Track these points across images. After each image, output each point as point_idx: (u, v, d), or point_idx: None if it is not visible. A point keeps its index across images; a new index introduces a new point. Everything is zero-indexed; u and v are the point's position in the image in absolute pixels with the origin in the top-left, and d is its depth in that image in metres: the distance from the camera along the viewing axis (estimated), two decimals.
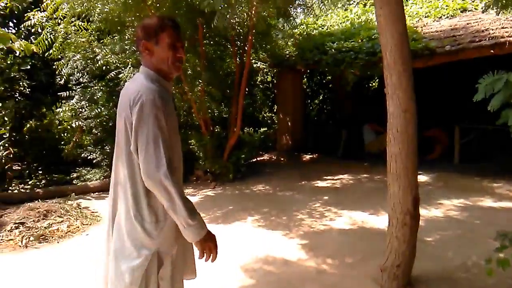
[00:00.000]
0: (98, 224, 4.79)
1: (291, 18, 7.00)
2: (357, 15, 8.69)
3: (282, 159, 8.56)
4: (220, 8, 3.97)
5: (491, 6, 3.31)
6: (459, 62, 5.94)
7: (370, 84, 10.24)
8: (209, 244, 1.40)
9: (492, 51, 5.23)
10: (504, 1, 2.93)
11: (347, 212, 4.83)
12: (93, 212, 5.20)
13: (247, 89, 7.56)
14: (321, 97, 10.72)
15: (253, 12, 5.75)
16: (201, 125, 6.72)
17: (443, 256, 3.38)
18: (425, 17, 7.50)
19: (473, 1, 7.26)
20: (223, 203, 5.45)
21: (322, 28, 8.52)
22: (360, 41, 6.75)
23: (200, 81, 6.25)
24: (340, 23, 8.57)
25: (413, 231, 2.77)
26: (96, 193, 6.49)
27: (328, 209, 4.98)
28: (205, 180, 6.87)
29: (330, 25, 8.66)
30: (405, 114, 2.63)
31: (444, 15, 7.26)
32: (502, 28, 5.50)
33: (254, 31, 6.21)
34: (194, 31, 5.95)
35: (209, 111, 7.03)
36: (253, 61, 8.39)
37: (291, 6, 6.69)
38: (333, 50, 6.76)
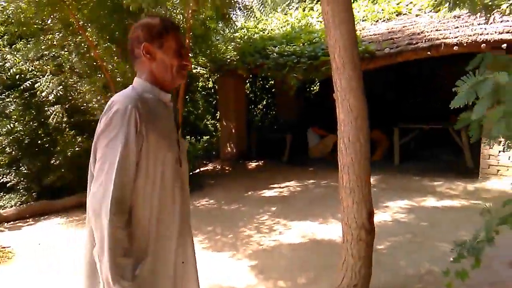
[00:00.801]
0: (7, 263, 4.00)
1: (231, 21, 6.72)
2: (297, 19, 8.65)
3: (226, 168, 8.19)
4: (147, 6, 3.51)
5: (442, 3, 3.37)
6: (396, 64, 6.03)
7: (312, 88, 10.28)
8: None
9: (428, 52, 5.34)
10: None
11: (296, 223, 4.59)
12: (2, 248, 4.39)
13: (187, 96, 7.10)
14: (264, 102, 10.56)
15: (189, 13, 5.34)
16: None
17: (396, 265, 3.27)
18: (363, 21, 7.62)
19: (407, 5, 7.52)
20: None
21: (263, 32, 8.34)
22: (301, 45, 6.65)
23: None
24: (281, 27, 8.46)
25: (369, 245, 2.57)
26: (11, 222, 5.55)
27: (276, 222, 4.71)
28: None
29: (271, 29, 8.52)
30: (357, 121, 2.41)
31: (380, 19, 7.43)
32: (437, 30, 5.66)
33: (191, 34, 5.79)
34: (124, 34, 5.39)
35: None
36: (193, 66, 7.95)
37: (231, 8, 6.41)
38: (275, 54, 6.59)
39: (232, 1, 5.97)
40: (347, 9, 2.31)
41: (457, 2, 3.23)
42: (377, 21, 7.44)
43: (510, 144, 1.53)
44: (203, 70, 8.12)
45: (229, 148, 8.42)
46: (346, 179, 2.50)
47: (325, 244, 3.90)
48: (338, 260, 2.65)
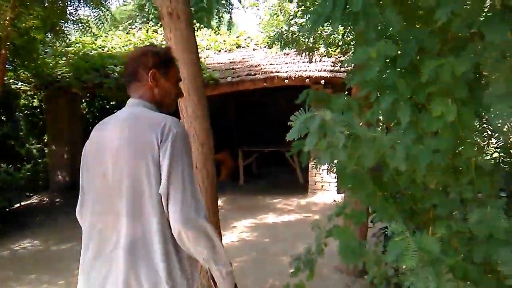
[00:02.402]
0: None
1: (63, 34, 5.94)
2: (140, 39, 8.35)
3: (57, 200, 7.05)
4: None
5: (276, 42, 4.04)
6: (238, 91, 6.47)
7: None
8: None
9: (264, 83, 5.91)
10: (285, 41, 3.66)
11: None
12: None
13: (2, 116, 5.85)
14: None
15: (6, 20, 4.47)
16: None
17: (244, 285, 3.34)
18: (207, 49, 7.91)
19: (245, 39, 8.22)
20: None
21: (103, 49, 7.70)
22: None
23: None
24: (123, 46, 7.99)
25: None
26: None
27: None
28: None
29: (112, 47, 7.95)
30: (203, 148, 2.38)
31: (222, 49, 7.88)
32: (271, 64, 6.34)
33: (8, 44, 4.85)
34: None
35: None
36: (11, 80, 6.66)
37: (62, 20, 5.68)
38: (116, 74, 6.13)
39: (64, 12, 5.32)
40: (189, 39, 2.29)
41: (287, 42, 3.83)
42: (219, 51, 7.85)
43: (332, 168, 1.78)
44: (26, 86, 6.91)
45: (60, 177, 7.29)
46: None
47: None
48: None
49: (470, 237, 1.39)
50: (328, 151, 1.08)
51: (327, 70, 5.89)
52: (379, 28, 1.32)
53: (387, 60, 1.22)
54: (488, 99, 1.08)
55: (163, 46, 1.49)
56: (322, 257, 2.14)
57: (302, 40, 4.19)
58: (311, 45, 4.34)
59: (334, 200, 3.21)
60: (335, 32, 4.05)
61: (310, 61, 5.19)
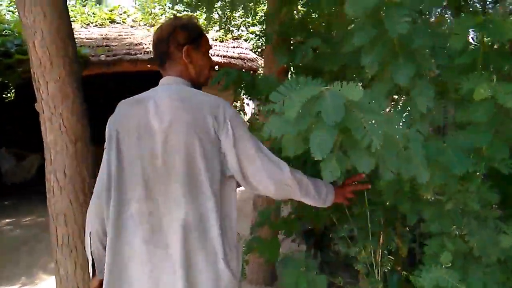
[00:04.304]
0: None
1: None
2: None
3: None
4: None
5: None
6: (117, 74, 5.42)
7: (6, 95, 7.97)
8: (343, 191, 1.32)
9: (149, 65, 5.06)
10: None
11: None
12: None
13: None
14: None
15: None
16: None
17: None
18: (72, 21, 6.52)
19: (121, 14, 7.08)
20: None
21: None
22: None
23: None
24: None
25: None
26: None
27: None
28: None
29: None
30: (76, 145, 1.63)
31: (92, 23, 6.62)
32: None
33: None
34: None
35: None
36: None
37: None
38: None
39: None
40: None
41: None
42: (88, 24, 6.58)
43: None
44: None
45: None
46: (61, 233, 1.66)
47: None
48: None
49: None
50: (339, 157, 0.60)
51: (220, 55, 5.40)
52: None
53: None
54: None
55: (184, 16, 1.38)
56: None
57: None
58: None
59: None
60: (226, 16, 3.62)
61: None
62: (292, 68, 2.35)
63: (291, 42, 2.11)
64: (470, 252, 1.11)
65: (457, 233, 1.11)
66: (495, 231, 1.09)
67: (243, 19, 6.72)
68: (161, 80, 1.24)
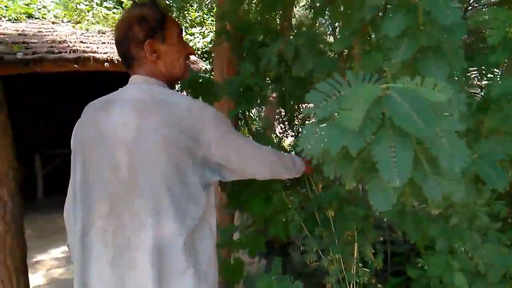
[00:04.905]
0: None
1: None
2: None
3: None
4: None
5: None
6: (34, 75, 4.76)
7: None
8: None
9: (76, 65, 4.51)
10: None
11: None
12: None
13: None
14: None
15: None
16: None
17: None
18: None
19: (40, 9, 6.31)
20: None
21: None
22: None
23: None
24: None
25: None
26: None
27: None
28: None
29: None
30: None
31: (5, 17, 5.79)
32: (82, 42, 4.94)
33: None
34: None
35: None
36: None
37: None
38: None
39: None
40: None
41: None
42: (0, 18, 5.75)
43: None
44: None
45: None
46: None
47: None
48: None
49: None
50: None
51: None
52: None
53: None
54: None
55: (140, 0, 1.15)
56: None
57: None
58: None
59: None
60: None
61: None
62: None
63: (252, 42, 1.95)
64: (476, 270, 1.03)
65: (463, 249, 1.02)
66: (498, 244, 1.02)
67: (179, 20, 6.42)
68: (130, 79, 1.09)
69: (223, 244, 1.80)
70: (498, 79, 0.74)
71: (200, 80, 1.66)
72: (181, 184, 0.98)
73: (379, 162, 0.45)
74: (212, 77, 2.86)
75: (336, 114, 0.46)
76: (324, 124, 0.47)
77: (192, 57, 6.10)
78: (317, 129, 0.47)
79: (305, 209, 1.67)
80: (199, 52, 5.83)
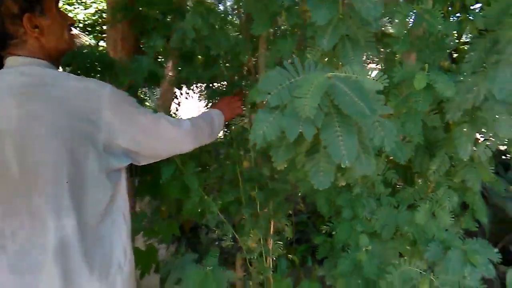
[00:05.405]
0: None
1: None
2: None
3: None
4: None
5: None
6: None
7: None
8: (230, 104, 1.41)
9: None
10: None
11: None
12: None
13: None
14: None
15: None
16: None
17: None
18: None
19: None
20: None
21: None
22: None
23: None
24: None
25: None
26: None
27: None
28: None
29: None
30: None
31: None
32: None
33: None
34: None
35: None
36: None
37: None
38: None
39: None
40: None
41: None
42: None
43: None
44: None
45: None
46: None
47: None
48: None
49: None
50: None
51: None
52: None
53: None
54: None
55: None
56: None
57: None
58: None
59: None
60: None
61: None
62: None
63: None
64: (373, 231, 1.20)
65: (364, 214, 1.19)
66: (390, 207, 1.22)
67: None
68: (6, 61, 0.95)
69: (136, 230, 1.73)
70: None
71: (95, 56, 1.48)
72: (79, 174, 0.92)
73: (329, 146, 0.50)
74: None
75: (287, 102, 0.49)
76: (277, 111, 0.49)
77: (73, 30, 5.42)
78: (271, 117, 0.49)
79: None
80: (80, 25, 5.22)
